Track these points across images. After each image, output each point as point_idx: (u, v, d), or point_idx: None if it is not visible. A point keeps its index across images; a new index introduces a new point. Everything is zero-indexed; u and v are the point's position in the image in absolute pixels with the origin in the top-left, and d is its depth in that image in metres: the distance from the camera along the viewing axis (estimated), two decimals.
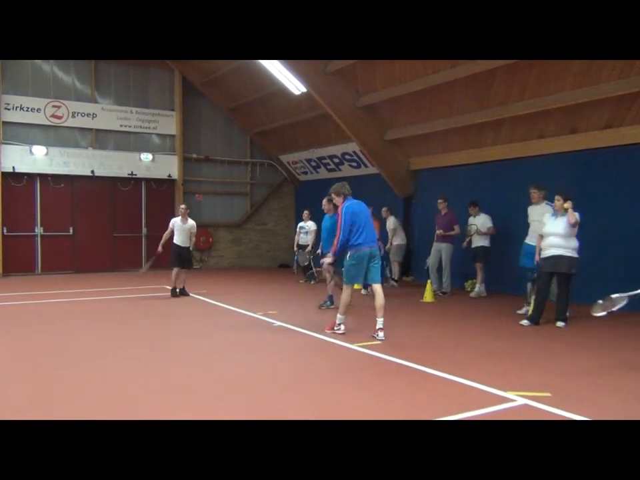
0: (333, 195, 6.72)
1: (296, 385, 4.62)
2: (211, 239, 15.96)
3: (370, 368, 5.17)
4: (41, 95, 13.52)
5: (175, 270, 9.65)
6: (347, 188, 6.60)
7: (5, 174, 13.18)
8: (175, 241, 9.65)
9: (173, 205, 15.20)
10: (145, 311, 8.52)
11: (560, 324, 7.04)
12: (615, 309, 4.96)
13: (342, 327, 6.50)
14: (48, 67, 13.67)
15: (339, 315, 6.53)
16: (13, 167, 13.26)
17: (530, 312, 7.43)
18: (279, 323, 7.22)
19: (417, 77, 10.42)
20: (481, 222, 9.85)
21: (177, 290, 9.73)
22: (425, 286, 9.69)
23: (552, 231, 7.03)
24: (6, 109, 13.12)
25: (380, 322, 6.22)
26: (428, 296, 9.46)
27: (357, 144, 12.75)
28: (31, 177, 13.65)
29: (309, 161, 15.67)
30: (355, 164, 14.15)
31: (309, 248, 10.69)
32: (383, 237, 11.04)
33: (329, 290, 8.41)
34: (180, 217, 9.73)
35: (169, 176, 15.18)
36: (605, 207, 8.70)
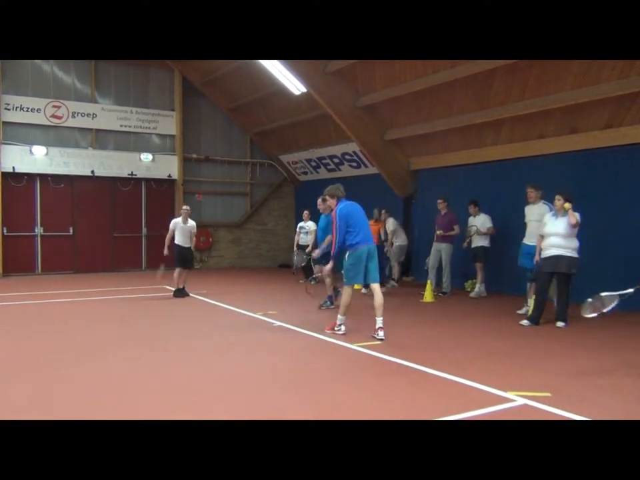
0: (327, 197, 6.77)
1: (296, 385, 4.62)
2: (210, 239, 15.96)
3: (370, 368, 5.17)
4: (40, 95, 13.52)
5: (178, 270, 9.66)
6: (341, 190, 6.63)
7: (5, 174, 13.18)
8: (176, 242, 9.67)
9: (173, 205, 15.21)
10: (145, 311, 8.52)
11: (560, 324, 7.05)
12: (605, 310, 4.95)
13: (342, 327, 6.50)
14: (48, 67, 13.67)
15: (339, 316, 6.53)
16: (13, 167, 13.26)
17: (530, 312, 7.43)
18: (279, 323, 7.22)
19: (417, 77, 10.42)
20: (480, 222, 9.86)
21: (183, 287, 9.75)
22: (424, 286, 9.70)
23: (552, 231, 7.04)
24: (6, 109, 13.12)
25: (379, 321, 6.23)
26: (428, 296, 9.47)
27: (357, 144, 12.75)
28: (30, 177, 13.65)
29: (308, 161, 15.67)
30: (355, 164, 14.15)
31: (309, 248, 10.68)
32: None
33: (329, 290, 8.42)
34: (181, 218, 9.75)
35: (169, 176, 15.18)
36: (604, 206, 8.70)
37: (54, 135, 13.79)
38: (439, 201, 10.40)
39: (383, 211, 11.42)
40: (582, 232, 7.13)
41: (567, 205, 6.90)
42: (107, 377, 4.78)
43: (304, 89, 12.27)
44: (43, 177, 13.74)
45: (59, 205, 14.01)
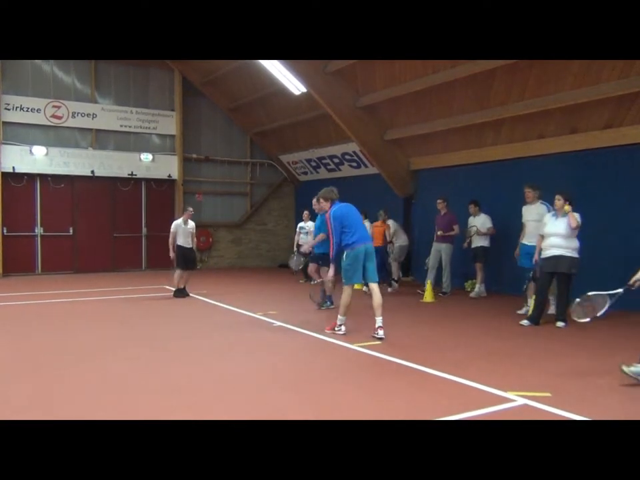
0: (321, 200, 6.88)
1: (296, 385, 4.62)
2: (210, 239, 15.96)
3: (370, 368, 5.17)
4: (40, 95, 13.52)
5: (178, 271, 9.67)
6: (335, 193, 6.74)
7: (5, 174, 13.18)
8: (178, 243, 9.68)
9: (173, 205, 15.22)
10: (145, 311, 8.52)
11: (560, 324, 7.04)
12: (599, 314, 4.94)
13: (343, 327, 6.50)
14: (48, 67, 13.68)
15: (339, 316, 6.53)
16: (13, 167, 13.27)
17: (530, 312, 7.43)
18: (279, 323, 7.22)
19: (417, 77, 10.42)
20: (480, 222, 9.86)
21: (183, 287, 9.76)
22: (425, 286, 9.70)
23: (553, 231, 7.04)
24: (6, 109, 13.12)
25: (379, 320, 6.23)
26: (428, 296, 9.47)
27: (357, 144, 12.75)
28: (31, 177, 13.65)
29: (308, 161, 15.67)
30: (355, 164, 14.15)
31: (304, 247, 10.62)
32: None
33: (329, 290, 8.42)
34: (181, 219, 9.78)
35: (169, 176, 15.18)
36: (604, 206, 8.70)
37: (54, 135, 13.79)
38: (438, 201, 10.40)
39: (382, 212, 11.42)
40: (582, 232, 7.12)
41: (567, 208, 6.91)
42: (106, 377, 4.78)
43: (304, 89, 12.27)
44: (42, 177, 13.74)
45: (58, 205, 14.01)
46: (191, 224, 9.84)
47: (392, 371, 5.02)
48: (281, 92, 13.40)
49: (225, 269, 15.85)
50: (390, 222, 11.42)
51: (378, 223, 11.10)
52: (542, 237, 7.25)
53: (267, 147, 16.70)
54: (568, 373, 4.93)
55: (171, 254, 9.69)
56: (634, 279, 4.78)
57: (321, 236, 8.16)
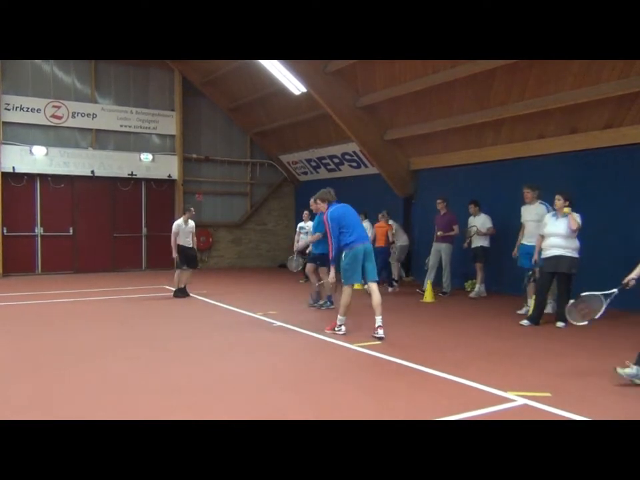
0: (318, 201, 6.92)
1: (296, 385, 4.62)
2: (210, 239, 15.96)
3: (370, 368, 5.17)
4: (40, 95, 13.52)
5: (178, 271, 9.69)
6: (332, 194, 6.78)
7: (5, 174, 13.18)
8: (179, 242, 9.69)
9: (173, 205, 15.22)
10: (145, 311, 8.52)
11: (560, 324, 7.04)
12: (597, 316, 4.94)
13: (343, 327, 6.51)
14: (48, 67, 13.67)
15: (339, 316, 6.54)
16: (13, 167, 13.26)
17: (530, 312, 7.43)
18: (279, 323, 7.22)
19: (417, 77, 10.42)
20: (480, 222, 9.87)
21: (184, 287, 9.77)
22: (423, 286, 9.70)
23: (553, 231, 7.04)
24: (6, 109, 13.12)
25: (378, 320, 6.24)
26: (428, 296, 9.47)
27: (357, 144, 12.75)
28: (31, 177, 13.65)
29: (308, 161, 15.67)
30: (355, 164, 14.15)
31: (298, 244, 10.59)
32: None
33: (329, 291, 8.42)
34: (182, 220, 9.79)
35: (169, 176, 15.18)
36: (604, 206, 8.70)
37: (54, 135, 13.79)
38: (438, 201, 10.40)
39: (381, 214, 11.42)
40: (582, 232, 7.12)
41: (567, 210, 6.91)
42: (106, 377, 4.78)
43: (304, 89, 12.27)
44: (42, 177, 13.74)
45: (58, 205, 14.01)
46: (191, 223, 9.87)
47: (392, 370, 5.02)
48: (280, 92, 13.40)
49: (225, 269, 15.85)
50: (390, 222, 11.42)
51: (381, 224, 11.10)
52: (542, 237, 7.25)
53: (267, 147, 16.70)
54: (568, 373, 4.93)
55: (174, 254, 9.70)
56: (628, 278, 4.79)
57: (317, 235, 8.20)
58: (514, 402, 4.06)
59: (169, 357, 5.56)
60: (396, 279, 11.43)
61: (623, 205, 8.64)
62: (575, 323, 5.19)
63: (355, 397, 4.23)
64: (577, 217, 6.91)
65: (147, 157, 14.78)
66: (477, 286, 10.01)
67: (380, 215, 11.34)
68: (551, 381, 4.64)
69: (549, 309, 7.62)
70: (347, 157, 14.15)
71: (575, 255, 7.00)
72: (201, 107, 15.82)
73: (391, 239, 11.02)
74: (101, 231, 14.50)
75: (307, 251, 9.52)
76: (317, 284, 8.54)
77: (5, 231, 13.18)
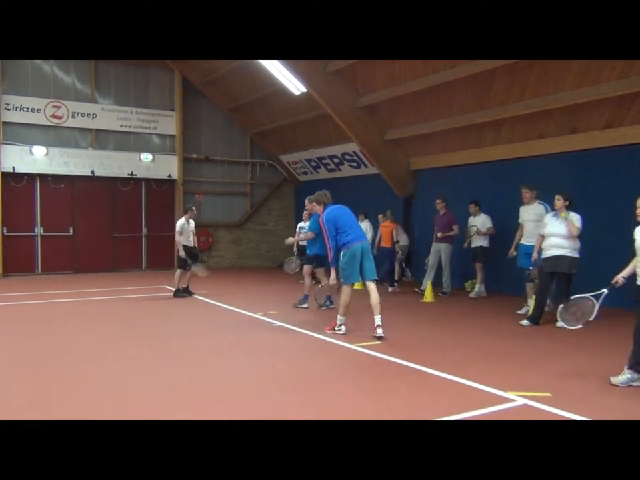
0: (314, 203, 6.95)
1: (296, 385, 4.62)
2: (210, 239, 15.95)
3: (370, 368, 5.17)
4: (40, 95, 13.52)
5: (179, 271, 9.70)
6: (328, 196, 6.83)
7: (5, 174, 13.18)
8: (183, 242, 9.70)
9: (173, 205, 15.20)
10: (145, 311, 8.52)
11: (560, 324, 7.04)
12: (591, 318, 4.95)
13: (343, 327, 6.51)
14: (48, 67, 13.67)
15: (339, 316, 6.54)
16: (13, 167, 13.26)
17: (530, 312, 7.43)
18: (279, 323, 7.22)
19: (417, 77, 10.42)
20: (480, 222, 9.87)
21: (187, 287, 9.78)
22: (423, 286, 9.70)
23: (553, 231, 7.04)
24: (6, 109, 13.12)
25: (377, 319, 6.24)
26: (428, 296, 9.47)
27: (357, 144, 12.75)
28: (31, 177, 13.64)
29: (309, 161, 15.67)
30: (355, 164, 14.15)
31: (292, 239, 10.54)
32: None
33: (328, 291, 8.42)
34: (184, 218, 9.82)
35: (169, 176, 15.17)
36: (604, 206, 8.69)
37: (54, 135, 13.78)
38: (437, 201, 10.40)
39: (380, 216, 11.42)
40: (582, 232, 7.12)
41: (564, 214, 6.91)
42: (106, 377, 4.78)
43: (304, 89, 12.26)
44: (43, 177, 13.74)
45: (59, 205, 14.01)
46: (192, 223, 9.93)
47: (392, 370, 5.02)
48: (281, 92, 13.39)
49: (225, 269, 15.84)
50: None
51: (386, 223, 11.10)
52: (542, 236, 7.25)
53: (267, 147, 16.70)
54: (568, 373, 4.93)
55: (181, 253, 9.70)
56: (617, 277, 4.80)
57: (310, 234, 8.25)
58: (514, 402, 4.06)
59: (169, 356, 5.56)
60: (396, 279, 11.43)
61: (622, 205, 8.58)
62: (569, 327, 5.20)
63: (355, 397, 4.23)
64: (575, 221, 6.91)
65: (147, 156, 14.78)
66: (477, 286, 10.01)
67: (381, 216, 11.34)
68: (551, 380, 4.64)
69: (546, 309, 7.61)
70: (347, 157, 14.14)
71: (575, 255, 7.00)
72: (200, 107, 15.81)
73: (395, 238, 11.02)
74: (101, 231, 14.50)
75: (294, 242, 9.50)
76: (319, 285, 8.54)
77: (4, 231, 13.18)
